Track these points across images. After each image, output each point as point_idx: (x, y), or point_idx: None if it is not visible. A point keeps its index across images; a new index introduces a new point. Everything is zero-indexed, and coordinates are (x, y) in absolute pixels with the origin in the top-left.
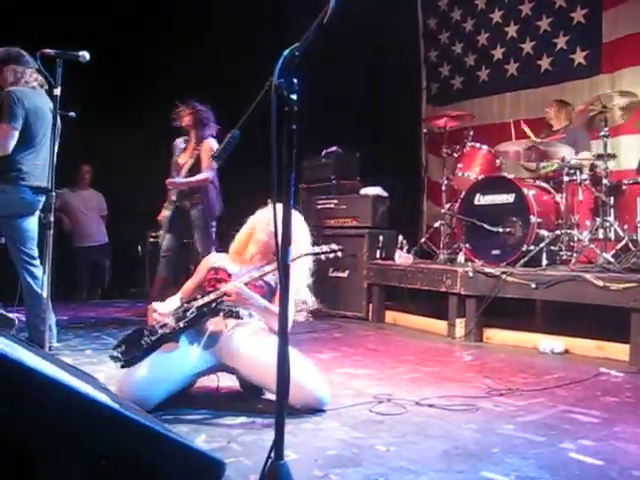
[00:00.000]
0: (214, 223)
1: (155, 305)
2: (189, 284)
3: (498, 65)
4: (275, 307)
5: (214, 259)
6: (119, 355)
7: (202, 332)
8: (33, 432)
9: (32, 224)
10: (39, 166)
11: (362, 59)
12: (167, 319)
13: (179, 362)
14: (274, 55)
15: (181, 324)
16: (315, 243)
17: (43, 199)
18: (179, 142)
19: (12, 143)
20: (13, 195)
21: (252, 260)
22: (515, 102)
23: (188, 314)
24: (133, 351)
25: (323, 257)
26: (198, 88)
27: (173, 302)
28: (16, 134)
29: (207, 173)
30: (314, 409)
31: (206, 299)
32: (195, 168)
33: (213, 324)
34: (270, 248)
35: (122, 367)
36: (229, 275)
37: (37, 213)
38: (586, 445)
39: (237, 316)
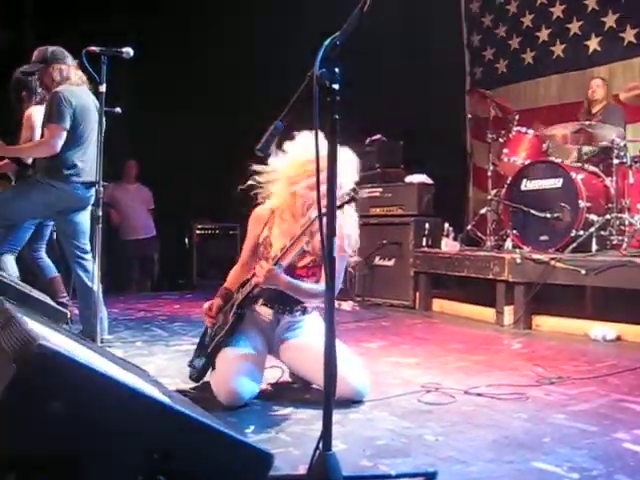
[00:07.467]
0: None
1: (206, 305)
2: (244, 255)
3: (544, 47)
4: (313, 285)
5: (260, 221)
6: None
7: (255, 330)
8: (86, 428)
9: (84, 218)
10: (88, 162)
11: (404, 44)
12: (218, 320)
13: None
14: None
15: (226, 329)
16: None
17: (94, 193)
18: None
19: (60, 143)
20: (66, 191)
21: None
22: (562, 85)
23: (230, 317)
24: (202, 358)
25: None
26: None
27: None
28: (64, 134)
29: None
30: (350, 400)
31: (244, 292)
32: None
33: (265, 317)
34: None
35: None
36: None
37: (89, 208)
38: None
39: (290, 313)
